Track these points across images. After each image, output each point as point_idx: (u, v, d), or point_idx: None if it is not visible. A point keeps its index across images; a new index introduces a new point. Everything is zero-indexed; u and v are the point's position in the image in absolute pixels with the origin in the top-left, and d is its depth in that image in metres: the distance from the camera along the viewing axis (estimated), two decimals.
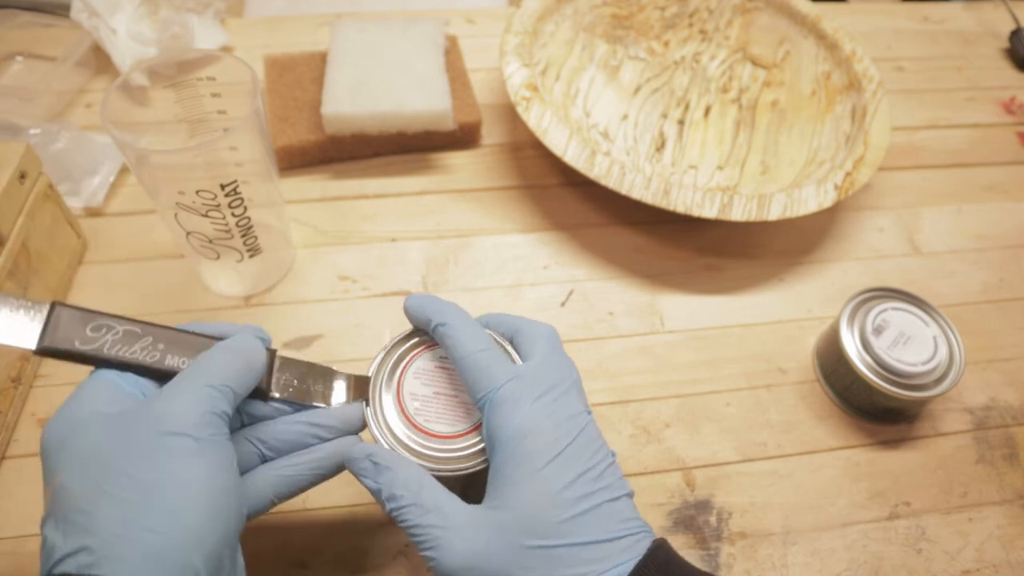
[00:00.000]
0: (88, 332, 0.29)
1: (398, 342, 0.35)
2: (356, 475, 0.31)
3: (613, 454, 0.31)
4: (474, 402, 0.31)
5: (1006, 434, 0.46)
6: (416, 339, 0.35)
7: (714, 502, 0.42)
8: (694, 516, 0.41)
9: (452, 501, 0.29)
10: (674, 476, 0.43)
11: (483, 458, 0.31)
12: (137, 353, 0.29)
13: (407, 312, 0.35)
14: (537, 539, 0.28)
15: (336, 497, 0.41)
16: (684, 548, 0.40)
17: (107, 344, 0.29)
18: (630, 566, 0.28)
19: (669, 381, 0.47)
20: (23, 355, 0.43)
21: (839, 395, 0.47)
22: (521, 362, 0.33)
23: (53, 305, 0.29)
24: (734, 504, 0.42)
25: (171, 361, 0.30)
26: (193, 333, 0.31)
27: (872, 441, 0.45)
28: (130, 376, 0.29)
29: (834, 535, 0.41)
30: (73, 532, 0.24)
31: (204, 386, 0.28)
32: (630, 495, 0.31)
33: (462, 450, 0.32)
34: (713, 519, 0.41)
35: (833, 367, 0.46)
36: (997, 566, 0.40)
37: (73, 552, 0.24)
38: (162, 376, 0.30)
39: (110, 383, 0.29)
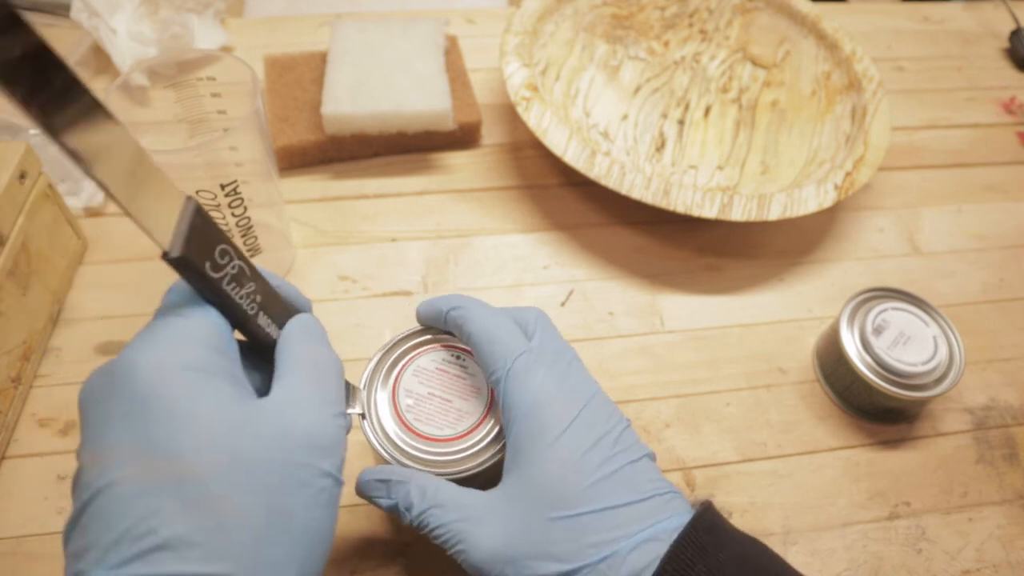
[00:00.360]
0: (216, 255, 0.25)
1: (394, 345, 0.35)
2: (370, 498, 0.31)
3: (627, 420, 0.31)
4: (489, 377, 0.31)
5: (1006, 434, 0.46)
6: (413, 342, 0.35)
7: (714, 502, 0.42)
8: None
9: (468, 494, 0.29)
10: (674, 476, 0.43)
11: (478, 462, 0.31)
12: (244, 300, 0.26)
13: (419, 316, 0.35)
14: (562, 510, 0.27)
15: None
16: None
17: (227, 278, 0.25)
18: (667, 525, 0.28)
19: (669, 381, 0.47)
20: (23, 355, 0.43)
21: (839, 395, 0.47)
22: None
23: (190, 201, 0.24)
24: (734, 504, 0.42)
25: (261, 321, 0.27)
26: (276, 293, 0.28)
27: (872, 441, 0.45)
28: (229, 328, 0.26)
29: (834, 535, 0.41)
30: (212, 549, 0.21)
31: (336, 415, 0.26)
32: (651, 456, 0.31)
33: (457, 453, 0.32)
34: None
35: (833, 367, 0.46)
36: (997, 566, 0.40)
37: (177, 547, 0.21)
38: (248, 331, 0.27)
39: (212, 324, 0.25)
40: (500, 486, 0.30)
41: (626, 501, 0.28)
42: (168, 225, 0.23)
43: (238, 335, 0.28)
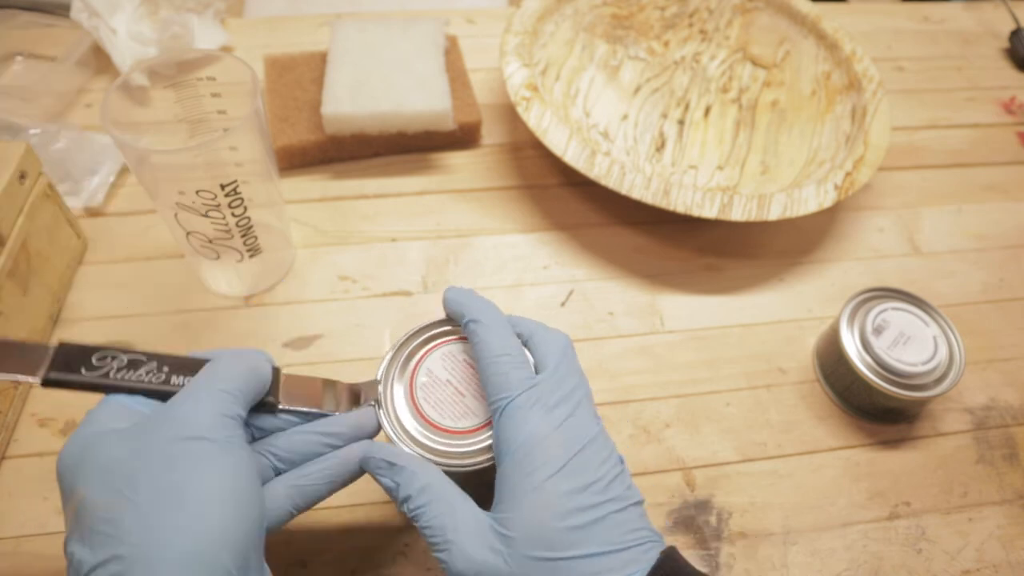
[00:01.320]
0: (94, 362, 0.30)
1: (413, 335, 0.35)
2: (372, 473, 0.31)
3: (622, 461, 0.31)
4: (489, 405, 0.31)
5: (1006, 434, 0.46)
6: (431, 332, 0.35)
7: (714, 502, 0.42)
8: (694, 516, 0.41)
9: (465, 506, 0.30)
10: (674, 476, 0.43)
11: (491, 455, 0.31)
12: (143, 377, 0.30)
13: (445, 303, 0.35)
14: (542, 551, 0.28)
15: (336, 497, 0.40)
16: (684, 548, 0.40)
17: (112, 370, 0.30)
18: (638, 574, 0.28)
19: (669, 381, 0.47)
20: None
21: (839, 395, 0.47)
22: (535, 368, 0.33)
23: (60, 344, 0.30)
24: (734, 504, 0.42)
25: (176, 380, 0.30)
26: (197, 358, 0.31)
27: (872, 441, 0.45)
28: (139, 398, 0.30)
29: (834, 535, 0.41)
30: (100, 543, 0.24)
31: (216, 390, 0.28)
32: (639, 503, 0.31)
33: (470, 446, 0.32)
34: (713, 519, 0.41)
35: (833, 367, 0.46)
36: (997, 566, 0.40)
37: (103, 562, 0.24)
38: (169, 396, 0.30)
39: (121, 405, 0.29)
40: (491, 511, 0.30)
41: (604, 550, 0.28)
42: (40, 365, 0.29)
43: None
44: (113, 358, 0.30)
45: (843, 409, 0.47)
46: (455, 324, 0.35)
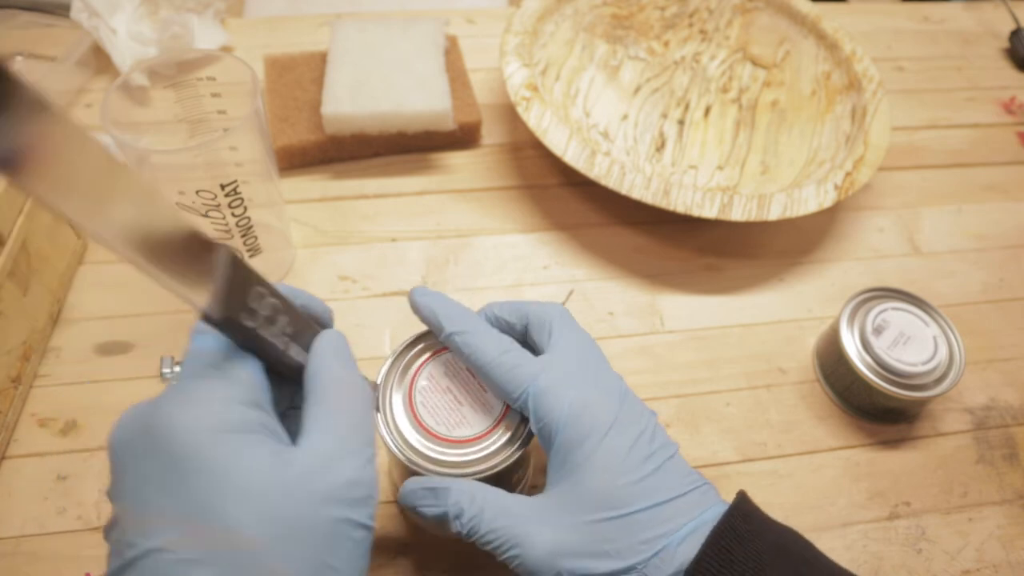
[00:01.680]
0: (250, 300, 0.24)
1: (407, 346, 0.35)
2: (414, 508, 0.30)
3: (653, 412, 0.32)
4: (511, 402, 0.31)
5: (1006, 434, 0.46)
6: (425, 343, 0.35)
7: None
8: None
9: (514, 499, 0.30)
10: None
11: (497, 461, 0.31)
12: (278, 339, 0.25)
13: (417, 310, 0.33)
14: (613, 510, 0.28)
15: None
16: None
17: (261, 322, 0.24)
18: (707, 515, 0.29)
19: (669, 381, 0.47)
20: (23, 355, 0.43)
21: (839, 395, 0.47)
22: (543, 347, 0.33)
23: (222, 252, 0.22)
24: None
25: (293, 351, 0.26)
26: (300, 312, 0.27)
27: (872, 441, 0.45)
28: (264, 376, 0.25)
29: (834, 535, 0.41)
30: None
31: (368, 461, 0.25)
32: (678, 449, 0.31)
33: (469, 455, 0.32)
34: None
35: (833, 367, 0.46)
36: (997, 566, 0.40)
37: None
38: (280, 367, 0.26)
39: (257, 387, 0.25)
40: (548, 490, 0.30)
41: (671, 496, 0.29)
42: (201, 279, 0.22)
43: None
44: (262, 299, 0.24)
45: (843, 409, 0.47)
46: (431, 337, 0.35)
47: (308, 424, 0.25)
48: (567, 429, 0.29)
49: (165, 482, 0.22)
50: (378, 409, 0.33)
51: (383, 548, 0.39)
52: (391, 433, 0.32)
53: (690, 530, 0.28)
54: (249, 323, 0.24)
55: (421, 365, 0.34)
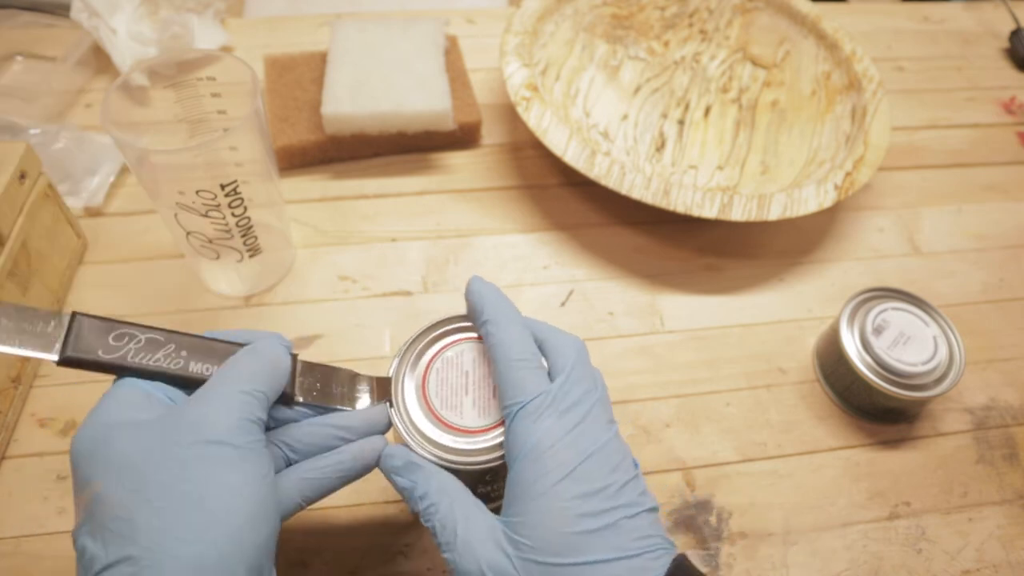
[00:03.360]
0: (110, 341, 0.29)
1: (425, 331, 0.35)
2: (387, 473, 0.31)
3: (636, 465, 0.31)
4: (502, 407, 0.31)
5: (1006, 434, 0.46)
6: (443, 329, 0.35)
7: (714, 502, 0.42)
8: (694, 516, 0.41)
9: (476, 509, 0.30)
10: (674, 476, 0.43)
11: (501, 453, 0.31)
12: (161, 360, 0.29)
13: (468, 293, 0.34)
14: (551, 556, 0.28)
15: (336, 497, 0.41)
16: (684, 548, 0.40)
17: (131, 352, 0.29)
18: None
19: (669, 381, 0.47)
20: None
21: (839, 395, 0.47)
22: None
23: (74, 315, 0.29)
24: (734, 504, 0.42)
25: (195, 368, 0.30)
26: (215, 340, 0.31)
27: (872, 441, 0.45)
28: (158, 383, 0.29)
29: (834, 535, 0.41)
30: (114, 541, 0.24)
31: (238, 392, 0.28)
32: (652, 510, 0.30)
33: (481, 443, 0.32)
34: (713, 519, 0.41)
35: (833, 367, 0.46)
36: (997, 566, 0.40)
37: (116, 562, 0.24)
38: (188, 383, 0.30)
39: (138, 390, 0.28)
40: (502, 515, 0.30)
41: (613, 556, 0.28)
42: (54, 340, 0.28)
43: None
44: (131, 338, 0.29)
45: (843, 409, 0.47)
46: (466, 322, 0.35)
47: None
48: (526, 462, 0.29)
49: (76, 482, 0.27)
50: (391, 402, 0.33)
51: (383, 548, 0.39)
52: (402, 419, 0.32)
53: None
54: (109, 356, 0.29)
55: (436, 353, 0.34)
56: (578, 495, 0.28)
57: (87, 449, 0.26)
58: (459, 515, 0.29)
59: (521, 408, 0.30)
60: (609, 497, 0.29)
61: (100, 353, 0.28)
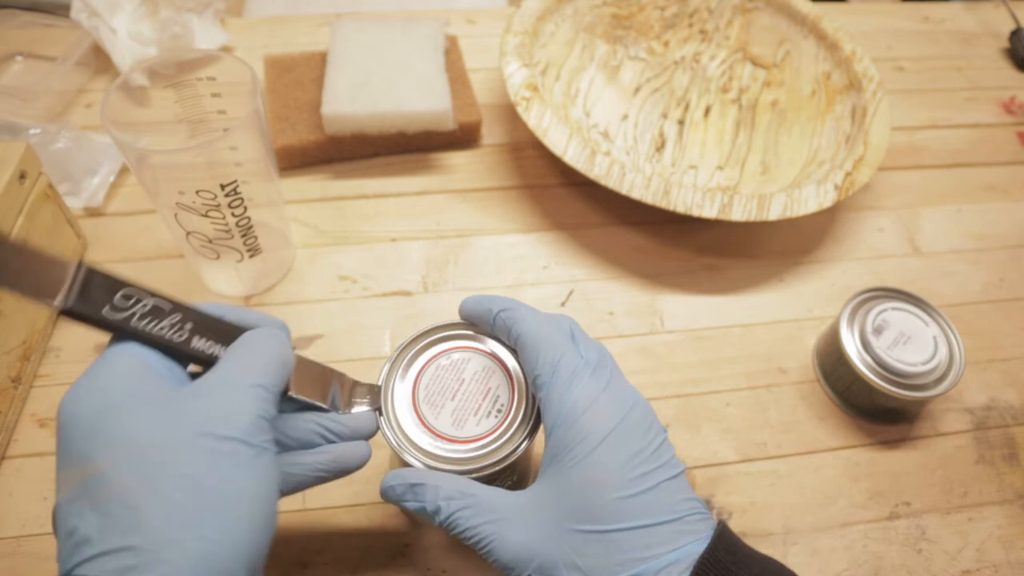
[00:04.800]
0: (116, 300, 0.27)
1: (415, 339, 0.35)
2: (393, 502, 0.31)
3: (665, 430, 0.31)
4: (533, 380, 0.31)
5: (1006, 434, 0.46)
6: (433, 337, 0.35)
7: (714, 502, 0.42)
8: None
9: (496, 494, 0.29)
10: None
11: (493, 460, 0.31)
12: (165, 330, 0.28)
13: (463, 311, 0.34)
14: (594, 523, 0.27)
15: (336, 497, 0.41)
16: None
17: (135, 316, 0.27)
18: (692, 548, 0.27)
19: (669, 381, 0.47)
20: (23, 355, 0.43)
21: (839, 395, 0.47)
22: None
23: (81, 264, 0.27)
24: (734, 504, 0.42)
25: (198, 344, 0.28)
26: (219, 318, 0.30)
27: (872, 441, 0.45)
28: (157, 354, 0.28)
29: (834, 535, 0.41)
30: (115, 528, 0.23)
31: (252, 386, 0.27)
32: (684, 471, 0.30)
33: (471, 452, 0.32)
34: (713, 519, 0.41)
35: (833, 367, 0.46)
36: (997, 566, 0.40)
37: (116, 549, 0.23)
38: (187, 358, 0.28)
39: (139, 359, 0.27)
40: (534, 487, 0.29)
41: (659, 520, 0.27)
42: (55, 287, 0.26)
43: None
44: (138, 300, 0.27)
45: (843, 409, 0.47)
46: (458, 329, 0.35)
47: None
48: (565, 427, 0.29)
49: (62, 450, 0.26)
50: (380, 409, 0.32)
51: (383, 548, 0.39)
52: (393, 429, 0.32)
53: (670, 561, 0.27)
54: (111, 315, 0.27)
55: (427, 362, 0.34)
56: (621, 456, 0.28)
57: (86, 421, 0.25)
58: (479, 511, 0.29)
59: (556, 370, 0.30)
60: (648, 459, 0.29)
61: (105, 311, 0.27)
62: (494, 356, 0.34)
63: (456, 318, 0.35)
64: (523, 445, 0.32)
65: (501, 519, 0.28)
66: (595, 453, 0.28)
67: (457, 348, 0.35)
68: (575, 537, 0.27)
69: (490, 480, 0.32)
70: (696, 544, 0.28)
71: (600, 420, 0.29)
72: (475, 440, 0.32)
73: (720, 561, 0.27)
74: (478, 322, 0.34)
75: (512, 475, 0.36)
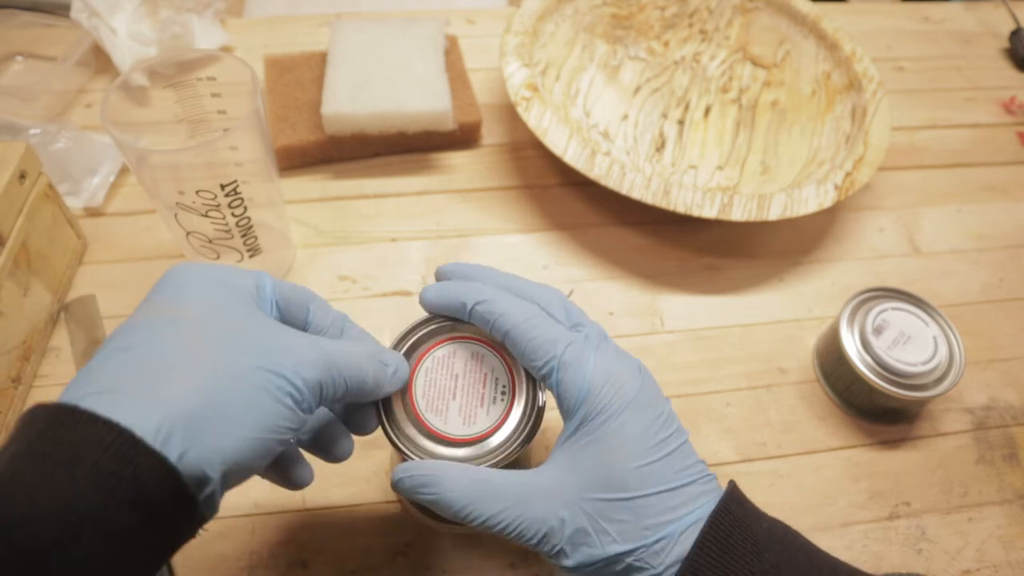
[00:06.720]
0: None
1: (402, 337, 0.34)
2: (408, 495, 0.30)
3: (668, 400, 0.31)
4: (535, 370, 0.31)
5: (1006, 434, 0.46)
6: (408, 343, 0.34)
7: None
8: None
9: (511, 476, 0.29)
10: None
11: (492, 455, 0.31)
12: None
13: (428, 304, 0.33)
14: (621, 491, 0.28)
15: (336, 497, 0.41)
16: None
17: None
18: (710, 508, 0.28)
19: (669, 381, 0.47)
20: (23, 355, 0.43)
21: (839, 395, 0.47)
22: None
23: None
24: None
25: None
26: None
27: (872, 441, 0.45)
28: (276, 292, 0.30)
29: (834, 535, 0.41)
30: (123, 375, 0.24)
31: (337, 368, 0.28)
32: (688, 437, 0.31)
33: (470, 450, 0.31)
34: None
35: (833, 367, 0.46)
36: (997, 566, 0.41)
37: (117, 349, 0.25)
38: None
39: (257, 281, 0.30)
40: (550, 463, 0.29)
41: (680, 483, 0.28)
42: None
43: None
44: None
45: (843, 409, 0.47)
46: (429, 325, 0.34)
47: None
48: (585, 404, 0.29)
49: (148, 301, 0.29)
50: (380, 413, 0.32)
51: (383, 548, 0.39)
52: (395, 431, 0.32)
53: (693, 520, 0.28)
54: None
55: (416, 362, 0.33)
56: (642, 424, 0.29)
57: (180, 279, 0.29)
58: (495, 499, 0.28)
59: (561, 358, 0.30)
60: (664, 424, 0.29)
61: None
62: (476, 339, 0.33)
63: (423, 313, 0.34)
64: (518, 445, 0.31)
65: (521, 500, 0.28)
66: (618, 422, 0.29)
67: (437, 344, 0.34)
68: (602, 506, 0.28)
69: (511, 465, 0.31)
70: (711, 503, 0.29)
71: (620, 389, 0.29)
72: (472, 439, 0.32)
73: (732, 513, 0.28)
74: (449, 315, 0.33)
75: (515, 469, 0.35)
